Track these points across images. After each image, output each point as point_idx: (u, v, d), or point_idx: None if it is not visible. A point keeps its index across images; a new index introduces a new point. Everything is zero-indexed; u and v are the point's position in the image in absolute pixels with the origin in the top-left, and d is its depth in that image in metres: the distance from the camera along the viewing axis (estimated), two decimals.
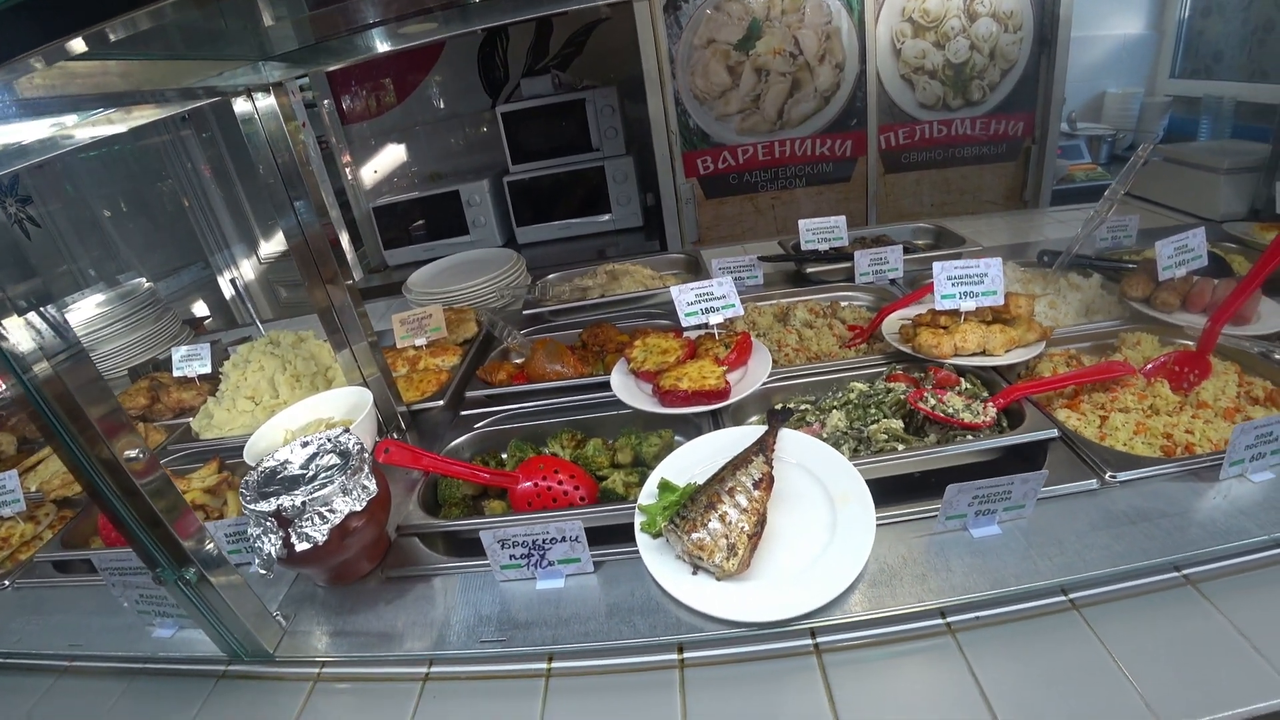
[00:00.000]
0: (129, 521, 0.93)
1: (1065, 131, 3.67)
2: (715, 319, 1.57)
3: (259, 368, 1.92)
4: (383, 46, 1.29)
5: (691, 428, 1.45)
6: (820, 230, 2.08)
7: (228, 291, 4.72)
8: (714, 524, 1.04)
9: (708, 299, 1.58)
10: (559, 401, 1.61)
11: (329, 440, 1.21)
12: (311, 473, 1.14)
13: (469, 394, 1.70)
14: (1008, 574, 1.01)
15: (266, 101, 1.36)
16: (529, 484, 1.27)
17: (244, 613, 1.04)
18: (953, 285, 1.51)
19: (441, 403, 1.67)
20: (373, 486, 1.14)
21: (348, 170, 4.28)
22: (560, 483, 1.27)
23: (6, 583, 1.50)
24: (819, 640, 1.00)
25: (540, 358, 1.70)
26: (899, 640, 1.00)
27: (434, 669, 1.06)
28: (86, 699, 1.18)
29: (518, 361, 1.84)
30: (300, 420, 1.64)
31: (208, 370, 2.21)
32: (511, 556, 1.08)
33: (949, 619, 1.01)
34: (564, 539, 1.06)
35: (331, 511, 1.08)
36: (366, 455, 1.16)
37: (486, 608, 1.09)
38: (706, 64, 3.20)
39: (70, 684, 1.23)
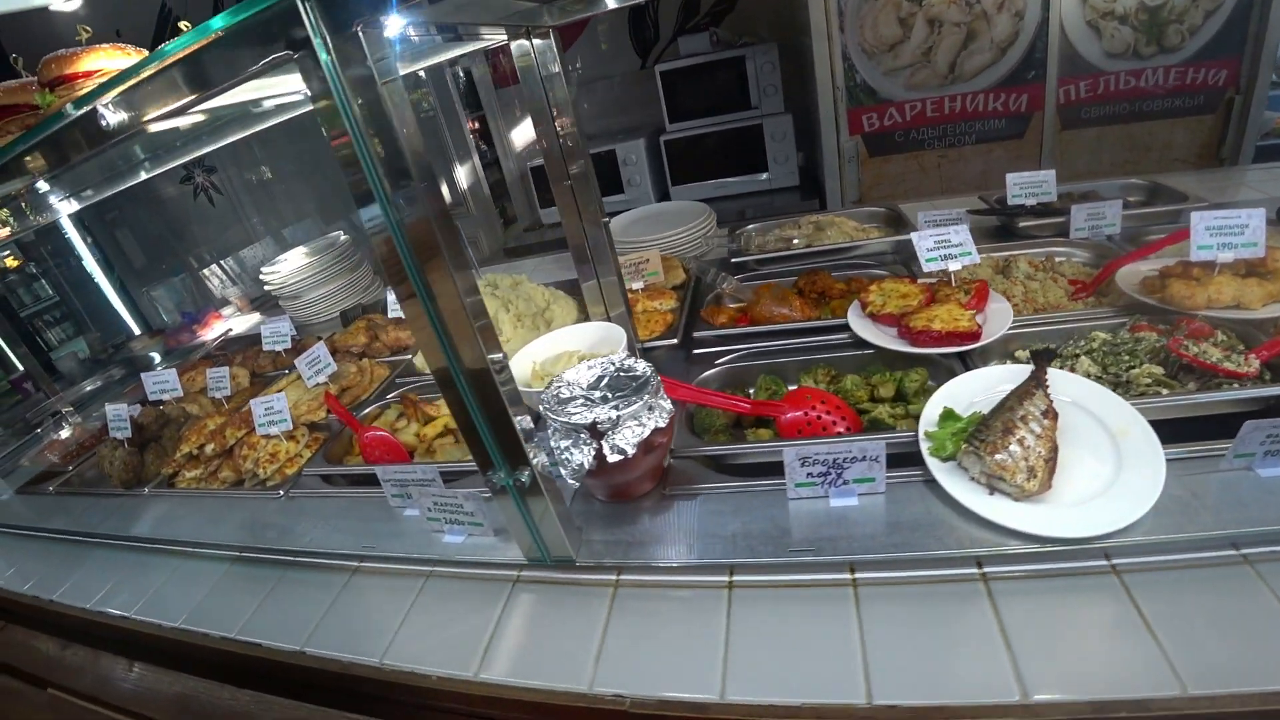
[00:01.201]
0: (480, 424, 1.06)
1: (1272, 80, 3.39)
2: (954, 266, 1.62)
3: None
4: None
5: (939, 369, 1.52)
6: (1028, 185, 2.07)
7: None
8: (1014, 447, 1.12)
9: (946, 245, 1.63)
10: (789, 343, 1.72)
11: (614, 365, 1.35)
12: (602, 393, 1.28)
13: (697, 334, 1.84)
14: None
15: (544, 42, 1.50)
16: (799, 413, 1.39)
17: (557, 519, 1.18)
18: (1210, 236, 1.49)
19: (675, 340, 1.81)
20: (669, 405, 1.29)
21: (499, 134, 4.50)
22: (828, 412, 1.38)
23: (281, 492, 1.76)
24: (1114, 561, 1.07)
25: (767, 301, 1.81)
26: (1193, 566, 1.05)
27: (736, 577, 1.17)
28: (384, 594, 1.36)
29: (733, 306, 1.95)
30: (546, 354, 1.81)
31: None
32: (809, 475, 1.20)
33: (1243, 550, 1.06)
34: (864, 458, 1.17)
35: (641, 425, 1.22)
36: (656, 379, 1.29)
37: (781, 522, 1.21)
38: (876, 15, 3.16)
39: (365, 581, 1.43)
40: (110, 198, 2.42)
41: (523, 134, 4.52)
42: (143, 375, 2.52)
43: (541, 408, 1.27)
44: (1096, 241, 1.94)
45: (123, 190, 2.33)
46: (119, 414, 2.28)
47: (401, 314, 2.45)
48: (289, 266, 3.10)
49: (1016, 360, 1.53)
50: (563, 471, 1.19)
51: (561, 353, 1.79)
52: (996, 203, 2.17)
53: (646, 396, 1.22)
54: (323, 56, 0.80)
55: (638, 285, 2.05)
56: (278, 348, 2.70)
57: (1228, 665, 0.90)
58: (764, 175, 3.75)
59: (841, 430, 1.37)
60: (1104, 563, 1.07)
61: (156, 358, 3.65)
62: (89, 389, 3.51)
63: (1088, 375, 1.42)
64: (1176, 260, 1.58)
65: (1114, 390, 1.39)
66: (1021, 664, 0.94)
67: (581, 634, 1.13)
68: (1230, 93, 3.01)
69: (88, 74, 1.41)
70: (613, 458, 1.17)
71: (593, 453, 1.18)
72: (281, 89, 1.69)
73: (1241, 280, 1.50)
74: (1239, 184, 2.44)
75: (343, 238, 3.25)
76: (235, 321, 3.69)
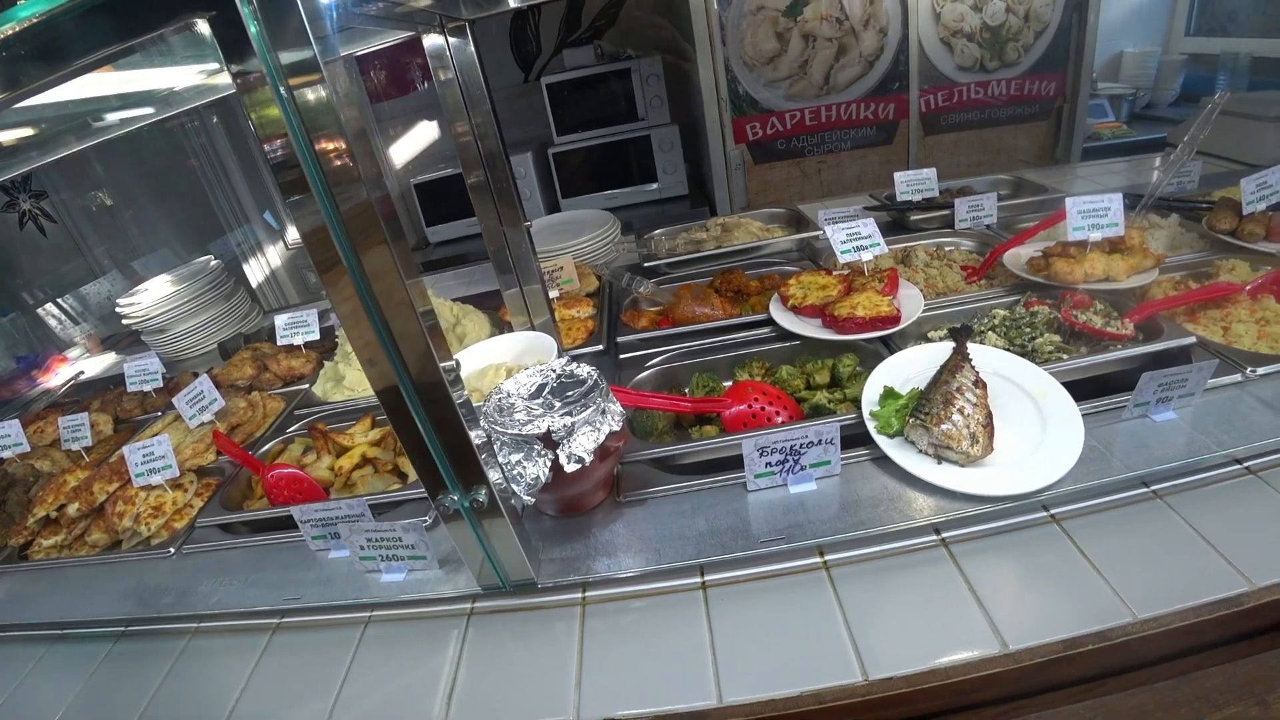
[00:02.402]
0: (431, 442, 0.97)
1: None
2: (866, 256, 1.70)
3: None
4: None
5: (864, 354, 1.58)
6: (914, 182, 2.23)
7: (255, 278, 4.67)
8: (955, 416, 1.17)
9: (857, 238, 1.71)
10: (714, 341, 1.73)
11: (554, 371, 1.29)
12: (545, 401, 1.21)
13: (621, 339, 1.81)
14: (1197, 448, 1.17)
15: (460, 40, 1.43)
16: (743, 407, 1.39)
17: (515, 540, 1.09)
18: (1082, 218, 1.66)
19: (600, 347, 1.77)
20: (619, 408, 1.24)
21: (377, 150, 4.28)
22: (770, 403, 1.39)
23: (171, 550, 1.52)
24: (1053, 511, 1.15)
25: (688, 302, 1.81)
26: (1116, 507, 1.15)
27: (708, 576, 1.14)
28: (316, 651, 1.20)
29: (652, 310, 1.94)
30: (474, 366, 1.71)
31: (316, 337, 2.27)
32: (768, 464, 1.20)
33: (1152, 486, 1.17)
34: (820, 441, 1.18)
35: (596, 430, 1.17)
36: (604, 382, 1.25)
37: (743, 515, 1.19)
38: (756, 30, 3.31)
39: (290, 638, 1.26)
40: None
41: (402, 151, 4.32)
42: None
43: (485, 422, 1.18)
44: (978, 230, 2.11)
45: None
46: None
47: (292, 341, 2.26)
48: (152, 296, 2.75)
49: (929, 340, 1.62)
50: (516, 488, 1.11)
51: (488, 366, 1.70)
52: (886, 199, 2.31)
53: (599, 400, 1.17)
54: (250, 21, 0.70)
55: (553, 294, 1.99)
56: (146, 387, 2.37)
57: (1163, 587, 0.99)
58: (654, 185, 3.81)
59: (784, 420, 1.39)
60: (1044, 514, 1.15)
61: None
62: None
63: (997, 347, 1.53)
64: (1055, 242, 1.75)
65: (1023, 358, 1.51)
66: (995, 618, 0.98)
67: (555, 661, 1.06)
68: (1059, 102, 3.43)
69: None
70: (570, 467, 1.11)
71: (548, 464, 1.11)
72: (139, 85, 1.51)
73: (1108, 256, 1.68)
74: (1073, 179, 2.77)
75: (213, 262, 2.93)
76: (85, 364, 3.22)
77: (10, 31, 0.77)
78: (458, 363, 0.97)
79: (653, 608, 1.11)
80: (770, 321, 1.70)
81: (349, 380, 1.89)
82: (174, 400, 1.91)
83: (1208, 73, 3.77)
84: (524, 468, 1.12)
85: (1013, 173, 2.45)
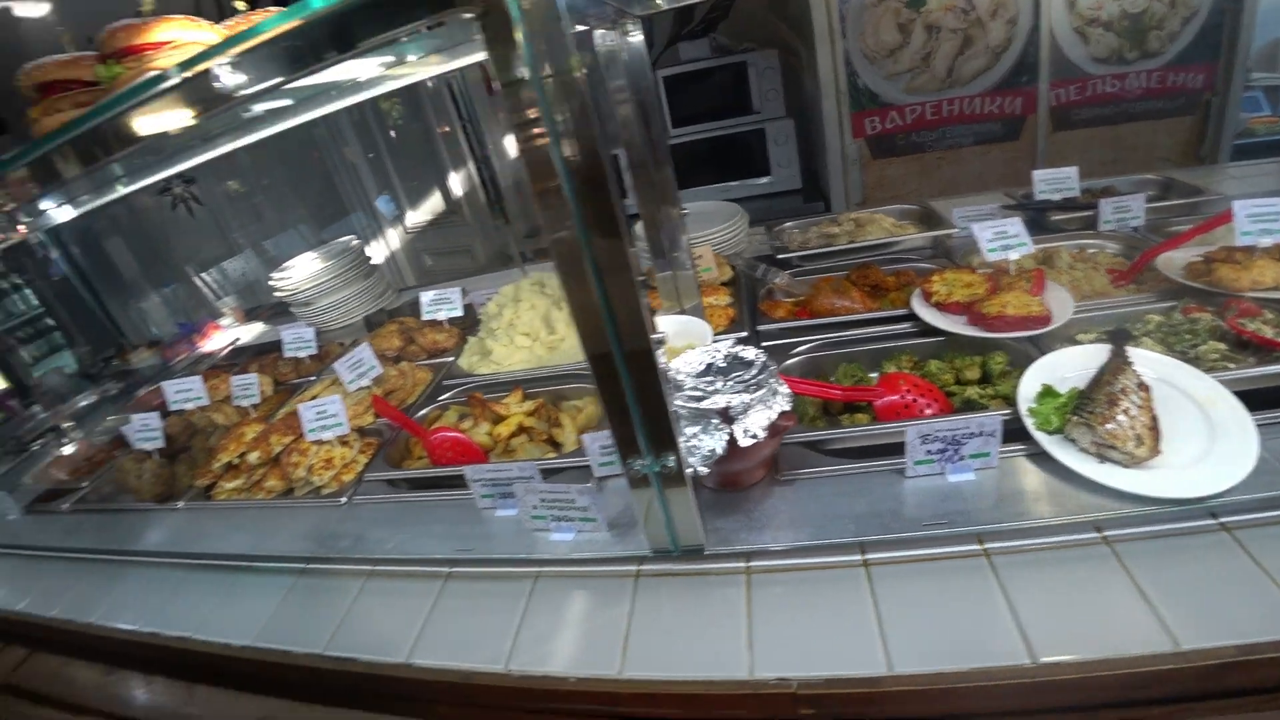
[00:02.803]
0: (634, 407, 1.06)
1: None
2: (1013, 255, 1.70)
3: (530, 306, 2.12)
4: None
5: (1013, 353, 1.58)
6: (1054, 181, 2.18)
7: (376, 259, 5.01)
8: (1120, 417, 1.19)
9: (1004, 237, 1.71)
10: (855, 333, 1.77)
11: (720, 353, 1.37)
12: (712, 380, 1.28)
13: (762, 327, 1.87)
14: None
15: (636, 35, 1.53)
16: (895, 397, 1.44)
17: (693, 507, 1.18)
18: (1252, 223, 1.60)
19: (745, 334, 1.85)
20: (786, 390, 1.32)
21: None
22: (921, 395, 1.43)
23: (344, 499, 1.71)
24: (1222, 520, 1.15)
25: (827, 294, 1.86)
26: None
27: (869, 555, 1.20)
28: (489, 599, 1.33)
29: (788, 300, 2.00)
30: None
31: (459, 313, 2.44)
32: (928, 452, 1.24)
33: None
34: (981, 433, 1.22)
35: (768, 409, 1.25)
36: (773, 364, 1.32)
37: (902, 499, 1.24)
38: (877, 22, 3.28)
39: (462, 586, 1.40)
40: (89, 210, 2.32)
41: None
42: (163, 384, 2.41)
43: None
44: (1124, 233, 2.05)
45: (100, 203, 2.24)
46: (148, 424, 2.19)
47: (436, 316, 2.44)
48: (301, 272, 3.02)
49: (1078, 342, 1.61)
50: (692, 459, 1.21)
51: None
52: (1023, 198, 2.27)
53: (770, 382, 1.25)
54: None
55: None
56: (300, 354, 2.63)
57: None
58: (766, 179, 3.83)
59: (934, 412, 1.43)
60: (1213, 521, 1.15)
61: (154, 369, 3.51)
62: (82, 404, 3.34)
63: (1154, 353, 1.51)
64: (1219, 246, 1.69)
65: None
66: (1163, 615, 1.00)
67: (725, 623, 1.14)
68: (1208, 95, 3.22)
69: (158, 45, 1.33)
70: (745, 441, 1.19)
71: (725, 438, 1.20)
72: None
73: (1279, 263, 1.62)
74: (1225, 179, 2.61)
75: (354, 242, 3.19)
76: (238, 331, 3.57)
77: (299, 22, 0.92)
78: (663, 333, 1.06)
79: (816, 580, 1.18)
80: (911, 316, 1.73)
81: (496, 355, 2.04)
82: (335, 365, 2.09)
83: None
84: (700, 440, 1.21)
85: (1159, 172, 2.34)
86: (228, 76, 1.04)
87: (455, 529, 1.50)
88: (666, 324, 1.76)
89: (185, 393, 2.39)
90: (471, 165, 4.48)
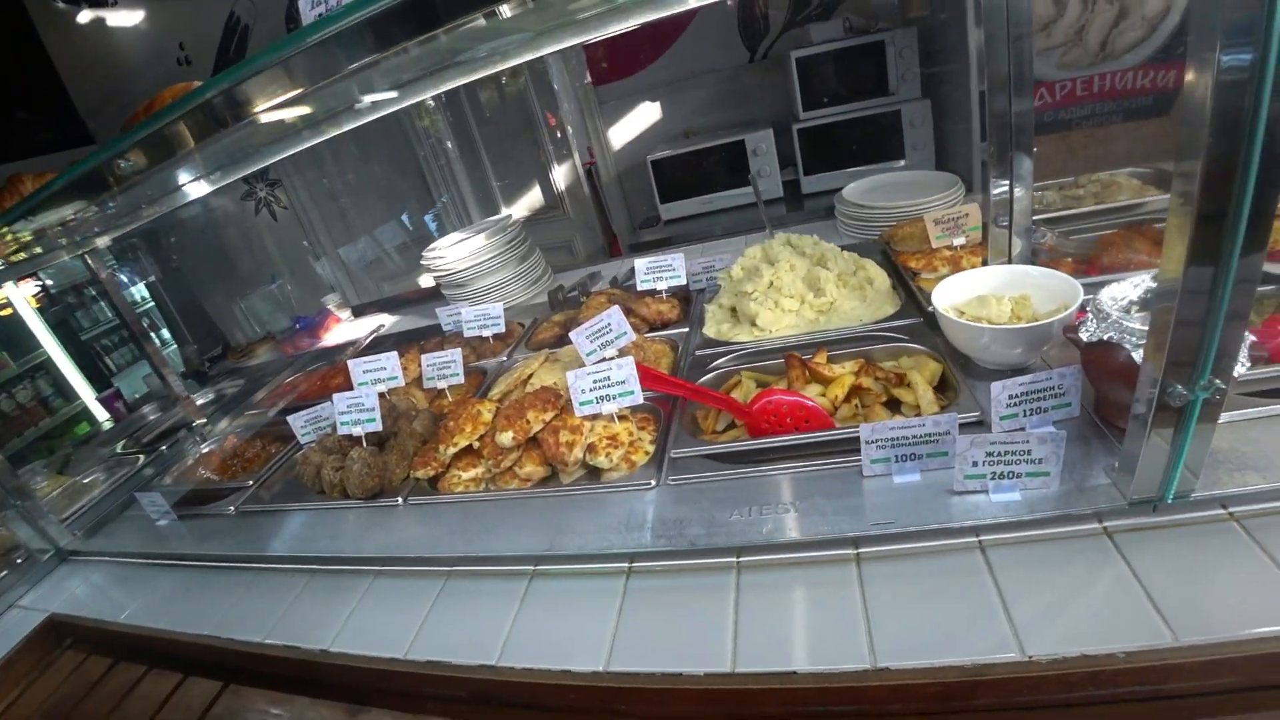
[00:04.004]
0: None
1: None
2: None
3: (790, 267, 1.96)
4: None
5: None
6: None
7: None
8: None
9: None
10: None
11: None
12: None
13: None
14: None
15: None
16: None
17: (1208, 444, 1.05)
18: None
19: None
20: None
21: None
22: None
23: (653, 482, 1.49)
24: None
25: (1119, 248, 1.77)
26: None
27: None
28: (927, 576, 1.15)
29: (1066, 260, 1.88)
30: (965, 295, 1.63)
31: (682, 281, 2.28)
32: None
33: None
34: None
35: None
36: None
37: None
38: None
39: (881, 569, 1.20)
40: (171, 217, 2.19)
41: (623, 132, 4.39)
42: (349, 362, 2.21)
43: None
44: None
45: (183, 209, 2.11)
46: (360, 402, 1.98)
47: (655, 286, 2.27)
48: (459, 251, 2.85)
49: None
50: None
51: (986, 295, 1.59)
52: None
53: None
54: None
55: (959, 241, 1.95)
56: (486, 333, 2.47)
57: None
58: (901, 162, 3.73)
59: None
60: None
61: (274, 364, 3.33)
62: (199, 402, 3.15)
63: None
64: None
65: None
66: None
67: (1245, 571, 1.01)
68: None
69: None
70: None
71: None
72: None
73: None
74: None
75: (513, 218, 3.04)
76: (379, 319, 3.39)
77: None
78: None
79: None
80: None
81: (762, 320, 1.89)
82: (572, 335, 1.89)
83: None
84: None
85: None
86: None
87: (836, 502, 1.29)
88: (997, 274, 1.61)
89: (376, 371, 2.19)
90: (577, 157, 4.35)
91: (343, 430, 2.02)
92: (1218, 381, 0.97)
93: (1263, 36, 0.75)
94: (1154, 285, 1.26)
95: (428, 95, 1.73)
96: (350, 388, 2.17)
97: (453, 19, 1.02)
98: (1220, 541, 1.08)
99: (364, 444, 2.00)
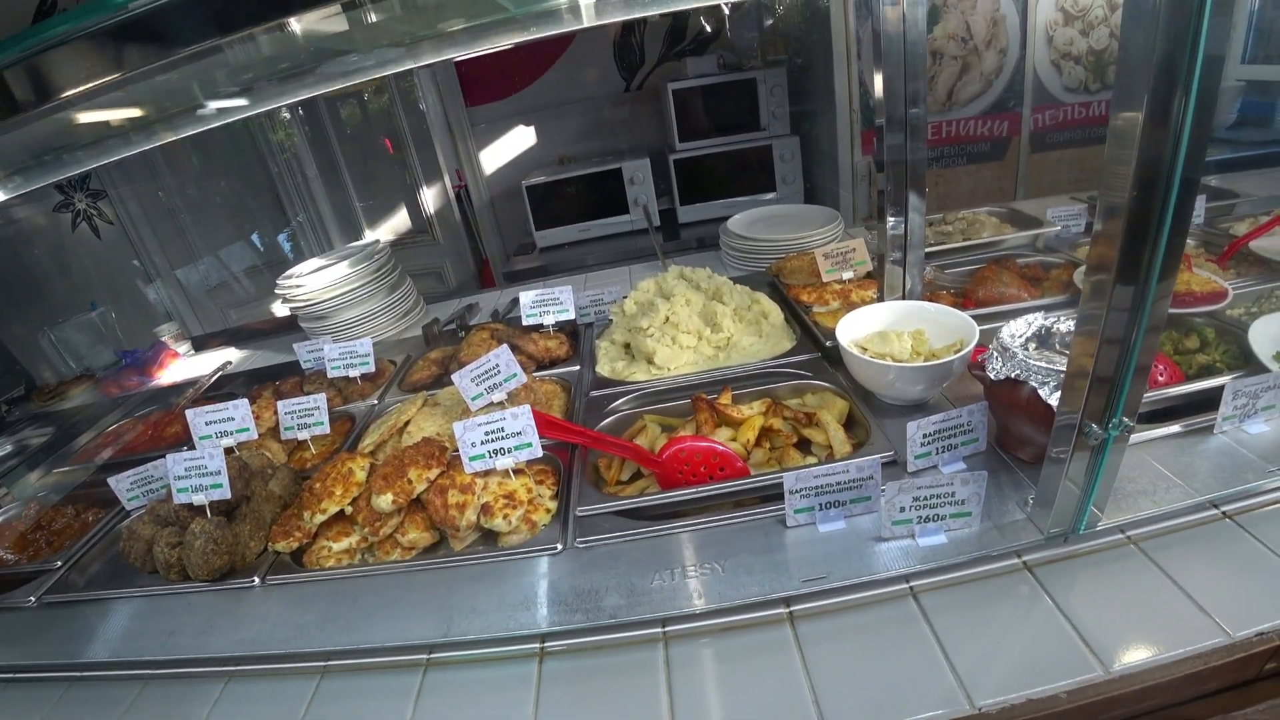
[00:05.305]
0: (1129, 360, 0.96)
1: None
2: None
3: (685, 301, 1.90)
4: None
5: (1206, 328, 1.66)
6: None
7: None
8: None
9: None
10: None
11: (1041, 321, 1.33)
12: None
13: None
14: None
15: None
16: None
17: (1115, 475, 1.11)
18: None
19: None
20: None
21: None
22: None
23: (559, 546, 1.35)
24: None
25: (993, 284, 1.88)
26: None
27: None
28: (875, 630, 1.11)
29: (942, 293, 1.98)
30: (867, 330, 1.66)
31: (570, 315, 2.15)
32: None
33: None
34: None
35: None
36: None
37: None
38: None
39: (814, 627, 1.14)
40: None
41: (496, 155, 4.22)
42: (188, 412, 1.86)
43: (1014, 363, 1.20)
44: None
45: None
46: (202, 464, 1.62)
47: (541, 321, 2.12)
48: (320, 280, 2.53)
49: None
50: None
51: (887, 331, 1.62)
52: (1090, 199, 2.47)
53: None
54: None
55: (847, 275, 2.00)
56: (353, 373, 2.19)
57: None
58: (771, 195, 3.88)
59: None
60: None
61: (95, 407, 2.78)
62: None
63: None
64: None
65: None
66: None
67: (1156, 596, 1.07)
68: None
69: None
70: None
71: None
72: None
73: None
74: None
75: (380, 243, 2.76)
76: (225, 355, 2.94)
77: None
78: None
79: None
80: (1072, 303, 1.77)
81: (660, 358, 1.80)
82: (454, 377, 1.71)
83: (1266, 99, 4.15)
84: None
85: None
86: None
87: (763, 558, 1.21)
88: (891, 309, 1.65)
89: (223, 423, 1.85)
90: (448, 180, 4.12)
91: (180, 499, 1.68)
92: (1127, 420, 1.01)
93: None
94: (1047, 324, 1.32)
95: (283, 103, 1.50)
96: (188, 441, 1.82)
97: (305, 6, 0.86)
98: (1125, 566, 1.14)
99: (208, 513, 1.66)
